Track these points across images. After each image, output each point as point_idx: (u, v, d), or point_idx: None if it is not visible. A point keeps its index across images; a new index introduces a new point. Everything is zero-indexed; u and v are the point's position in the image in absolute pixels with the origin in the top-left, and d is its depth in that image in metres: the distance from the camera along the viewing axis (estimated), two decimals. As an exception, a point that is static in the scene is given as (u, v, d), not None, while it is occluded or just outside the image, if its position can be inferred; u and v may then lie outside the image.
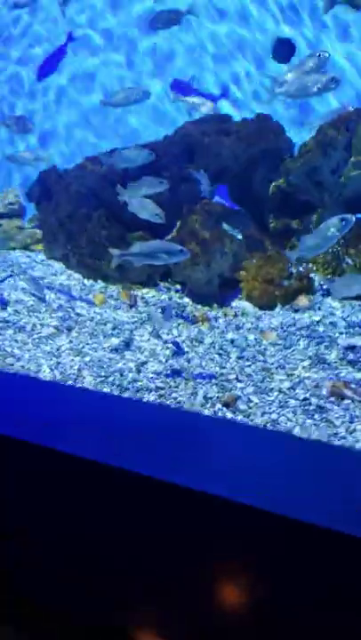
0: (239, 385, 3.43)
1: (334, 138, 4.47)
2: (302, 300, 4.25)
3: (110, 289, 4.70)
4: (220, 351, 3.78)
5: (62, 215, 4.96)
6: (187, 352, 3.79)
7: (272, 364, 3.62)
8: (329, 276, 4.41)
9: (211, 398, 3.32)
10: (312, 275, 4.45)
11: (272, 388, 3.37)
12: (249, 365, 3.62)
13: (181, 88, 5.64)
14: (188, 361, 3.67)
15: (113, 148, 4.77)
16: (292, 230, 4.83)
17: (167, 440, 2.32)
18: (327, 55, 4.12)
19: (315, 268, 4.46)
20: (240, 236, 5.04)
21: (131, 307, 4.43)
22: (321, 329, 3.92)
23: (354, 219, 3.41)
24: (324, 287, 4.45)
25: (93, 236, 4.77)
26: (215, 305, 4.42)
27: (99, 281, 4.76)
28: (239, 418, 3.17)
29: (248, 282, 4.42)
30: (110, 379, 3.51)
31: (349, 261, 4.31)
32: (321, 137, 4.51)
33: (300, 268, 4.44)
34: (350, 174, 4.56)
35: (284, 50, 5.34)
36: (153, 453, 2.20)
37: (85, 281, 4.80)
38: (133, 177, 4.41)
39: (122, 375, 3.54)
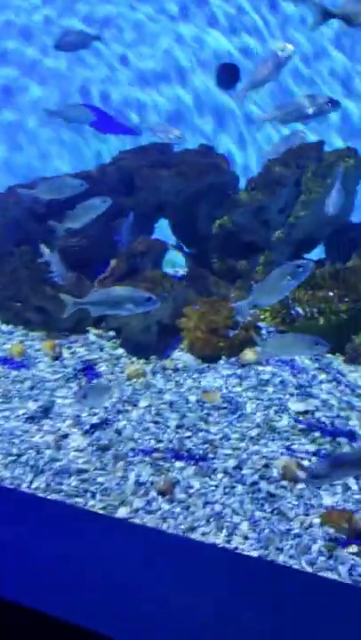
0: (178, 464, 2.93)
1: (283, 175, 4.10)
2: (248, 354, 3.81)
3: (32, 335, 4.13)
4: (157, 418, 3.28)
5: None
6: (117, 419, 3.26)
7: (216, 434, 3.15)
8: (276, 327, 4.00)
9: (144, 484, 2.80)
10: (259, 324, 4.03)
11: (216, 469, 2.89)
12: (190, 437, 3.13)
13: (102, 122, 5.15)
14: (119, 432, 3.14)
15: (38, 178, 4.23)
16: (238, 272, 4.42)
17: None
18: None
19: (262, 317, 4.05)
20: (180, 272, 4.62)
21: (55, 359, 3.88)
22: (270, 389, 3.48)
23: (312, 264, 2.99)
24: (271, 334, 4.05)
25: (16, 275, 4.20)
26: (153, 357, 3.92)
27: (19, 327, 4.19)
28: (176, 510, 2.66)
29: (190, 331, 3.95)
30: (24, 457, 2.94)
31: (300, 310, 3.91)
32: (269, 173, 4.13)
33: (247, 317, 4.01)
34: (299, 214, 4.20)
35: (228, 76, 4.97)
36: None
37: (4, 326, 4.21)
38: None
39: (38, 453, 2.98)
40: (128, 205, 4.33)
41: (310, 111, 3.81)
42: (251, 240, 4.31)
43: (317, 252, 4.69)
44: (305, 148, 4.20)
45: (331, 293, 3.93)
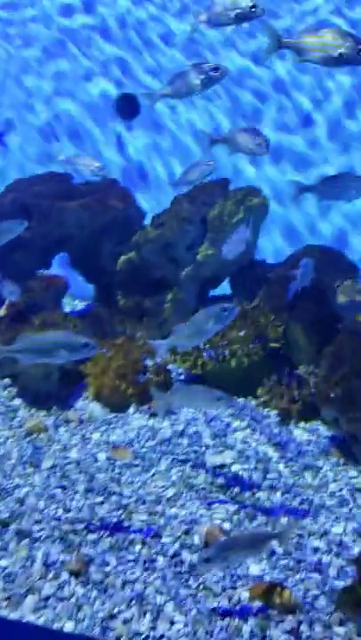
0: (90, 537, 2.64)
1: (190, 212, 3.97)
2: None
3: None
4: (63, 481, 2.96)
5: None
6: (17, 485, 2.91)
7: (130, 497, 2.89)
8: (187, 370, 3.83)
9: (53, 564, 2.48)
10: (170, 367, 3.84)
11: (132, 541, 2.63)
12: (101, 503, 2.85)
13: None
14: (21, 502, 2.79)
15: None
16: (144, 309, 4.22)
17: None
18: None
19: (173, 359, 3.86)
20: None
21: None
22: (185, 442, 3.28)
23: (237, 309, 2.85)
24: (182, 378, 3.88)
25: None
26: (55, 407, 3.59)
27: None
28: (93, 595, 2.37)
29: (96, 377, 3.67)
30: None
31: (212, 353, 3.77)
32: (176, 210, 3.98)
33: (157, 359, 3.81)
34: (208, 252, 4.08)
35: (127, 106, 4.80)
36: None
37: None
38: None
39: None
40: (25, 238, 3.98)
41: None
42: (158, 277, 4.13)
43: (223, 289, 4.62)
44: (210, 184, 4.11)
45: (241, 334, 3.84)
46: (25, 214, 3.97)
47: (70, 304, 4.77)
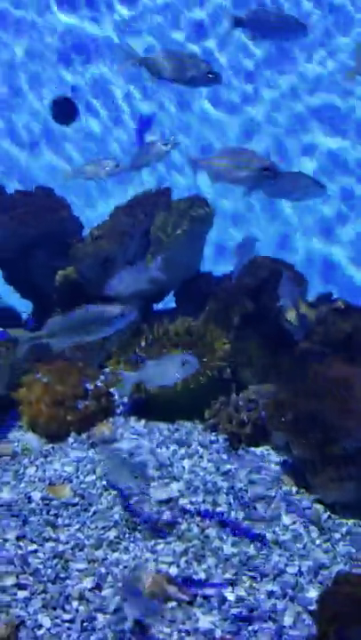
0: (21, 594, 2.36)
1: (130, 224, 3.73)
2: (101, 429, 3.35)
3: None
4: (-8, 528, 2.67)
5: None
6: None
7: (67, 542, 2.63)
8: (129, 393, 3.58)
9: (-23, 632, 2.19)
10: (113, 390, 3.59)
11: (69, 596, 2.37)
12: (35, 551, 2.57)
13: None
14: None
15: None
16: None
17: None
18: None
19: (115, 382, 3.60)
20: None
21: None
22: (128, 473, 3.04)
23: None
24: (125, 402, 3.63)
25: None
26: (-19, 438, 3.29)
27: None
28: (23, 666, 2.10)
29: (31, 405, 3.38)
30: None
31: (156, 374, 3.53)
32: (115, 222, 3.73)
33: (98, 383, 3.55)
34: (149, 266, 3.85)
35: (63, 110, 4.52)
36: None
37: None
38: None
39: None
40: None
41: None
42: (98, 293, 3.87)
43: (167, 302, 4.41)
44: (153, 194, 3.89)
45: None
46: None
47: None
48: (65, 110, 4.36)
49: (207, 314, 3.84)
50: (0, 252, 3.83)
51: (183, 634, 2.24)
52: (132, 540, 2.68)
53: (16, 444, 3.27)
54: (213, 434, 3.41)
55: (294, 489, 3.00)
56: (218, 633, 2.24)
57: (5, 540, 2.59)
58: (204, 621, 2.29)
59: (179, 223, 3.81)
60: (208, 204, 3.99)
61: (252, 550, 2.64)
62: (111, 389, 3.58)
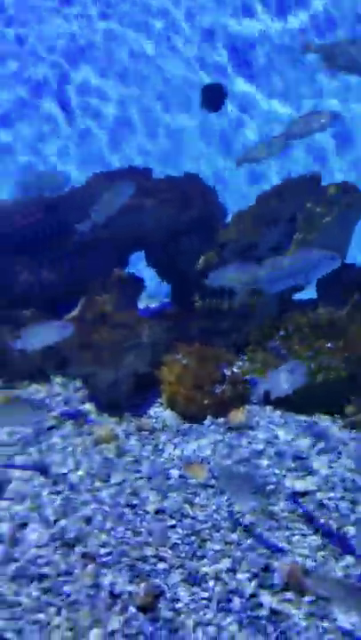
0: (161, 565, 2.43)
1: (278, 210, 3.66)
2: (237, 415, 3.35)
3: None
4: (133, 498, 2.77)
5: None
6: (86, 502, 2.73)
7: (204, 521, 2.66)
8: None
9: (120, 595, 2.29)
10: (249, 377, 3.58)
11: (206, 574, 2.40)
12: (173, 526, 2.64)
13: None
14: (88, 520, 2.62)
15: None
16: (223, 313, 3.95)
17: None
18: None
19: (253, 370, 3.59)
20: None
21: (13, 416, 3.32)
22: (264, 462, 3.02)
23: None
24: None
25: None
26: (126, 414, 3.41)
27: (-28, 374, 3.61)
28: (162, 634, 2.16)
29: (170, 384, 3.46)
30: (-29, 559, 2.39)
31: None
32: (260, 208, 3.69)
33: (234, 369, 3.55)
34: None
35: (213, 97, 4.51)
36: None
37: None
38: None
39: (-10, 551, 2.43)
40: (103, 237, 3.82)
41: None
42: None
43: (309, 293, 4.29)
44: (302, 180, 3.78)
45: (329, 345, 3.52)
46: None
47: (143, 302, 4.58)
48: (214, 97, 4.35)
49: (353, 305, 3.69)
50: (146, 236, 3.94)
51: (321, 631, 2.18)
52: (267, 527, 2.66)
53: (155, 420, 3.37)
54: (353, 431, 3.29)
55: None
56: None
57: (146, 512, 2.68)
58: (343, 619, 2.22)
59: (328, 210, 3.68)
60: (358, 190, 3.81)
61: (394, 555, 2.51)
62: (247, 376, 3.57)
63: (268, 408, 3.49)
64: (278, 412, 3.47)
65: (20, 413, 2.77)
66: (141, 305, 4.40)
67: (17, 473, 2.87)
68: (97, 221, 3.20)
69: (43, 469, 2.88)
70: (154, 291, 4.64)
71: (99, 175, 3.83)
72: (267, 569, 2.43)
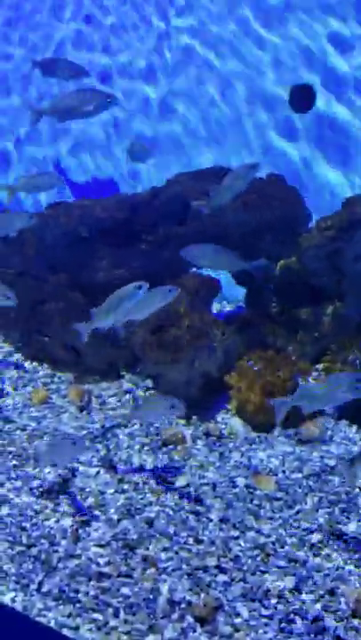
0: (221, 577, 2.36)
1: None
2: (310, 428, 3.22)
3: (57, 379, 3.60)
4: (197, 505, 2.71)
5: (12, 273, 3.87)
6: (149, 503, 2.70)
7: (268, 535, 2.57)
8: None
9: (178, 603, 2.23)
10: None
11: (268, 591, 2.30)
12: (236, 537, 2.55)
13: None
14: (150, 523, 2.58)
15: None
16: (300, 321, 3.82)
17: None
18: None
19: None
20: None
21: (81, 410, 3.34)
22: (336, 479, 2.88)
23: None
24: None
25: (48, 306, 3.69)
26: (194, 417, 3.36)
27: (45, 365, 3.67)
28: (219, 650, 2.09)
29: (241, 391, 3.38)
30: (33, 550, 2.40)
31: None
32: (347, 214, 3.53)
33: (309, 379, 3.42)
34: (381, 263, 3.59)
35: (302, 98, 4.39)
36: None
37: (28, 364, 3.70)
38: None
39: (52, 544, 2.44)
40: (180, 235, 3.79)
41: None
42: (319, 287, 3.72)
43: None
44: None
45: None
46: (181, 209, 3.78)
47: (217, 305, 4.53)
48: (304, 97, 4.24)
49: None
50: (224, 236, 3.87)
51: (387, 663, 2.04)
52: (335, 547, 2.52)
53: (223, 426, 3.30)
54: None
55: None
56: None
57: (209, 520, 2.62)
58: None
59: None
60: None
61: None
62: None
63: (344, 422, 3.34)
64: (354, 428, 3.31)
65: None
66: (215, 307, 4.35)
67: (81, 468, 2.88)
68: (215, 204, 3.22)
69: (110, 466, 2.88)
70: (229, 293, 4.56)
71: (182, 175, 3.80)
72: (333, 592, 2.30)
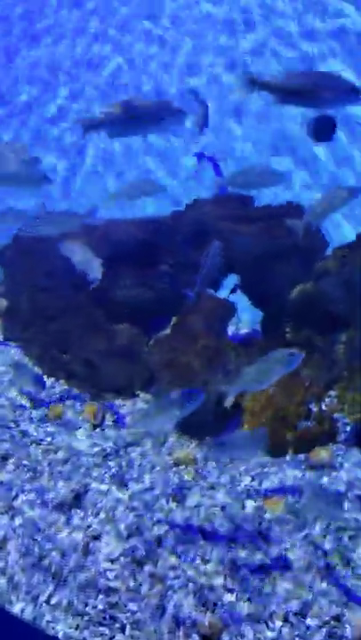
0: (228, 597, 2.38)
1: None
2: (321, 454, 3.23)
3: (75, 393, 3.67)
4: (206, 524, 2.74)
5: (32, 289, 3.97)
6: (158, 521, 2.74)
7: (275, 559, 2.58)
8: (356, 422, 3.41)
9: (183, 622, 2.26)
10: (336, 415, 3.46)
11: (273, 613, 2.32)
12: (245, 558, 2.57)
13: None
14: (159, 541, 2.62)
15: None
16: (314, 347, 3.86)
17: None
18: None
19: (340, 408, 3.47)
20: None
21: (95, 427, 3.40)
22: (346, 505, 2.89)
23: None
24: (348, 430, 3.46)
25: (66, 322, 3.78)
26: (207, 438, 3.40)
27: (61, 381, 3.74)
28: (222, 670, 2.11)
29: (253, 414, 3.41)
30: (45, 562, 2.45)
31: (387, 407, 3.32)
32: (363, 243, 3.59)
33: (323, 405, 3.45)
34: (396, 292, 3.62)
35: (324, 128, 4.47)
36: None
37: (45, 378, 3.78)
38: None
39: (63, 556, 2.48)
40: (196, 259, 3.87)
41: None
42: (335, 313, 3.76)
43: None
44: None
45: None
46: (202, 234, 3.87)
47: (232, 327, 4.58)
48: (325, 128, 4.32)
49: None
50: (243, 261, 3.95)
51: None
52: (343, 575, 2.53)
53: (235, 449, 3.33)
54: None
55: None
56: None
57: (216, 542, 2.64)
58: None
59: None
60: None
61: None
62: (335, 414, 3.45)
63: (356, 450, 3.35)
64: (364, 454, 3.32)
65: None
66: (231, 330, 4.41)
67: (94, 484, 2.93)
68: (309, 224, 3.30)
69: (121, 483, 2.92)
70: (245, 317, 4.62)
71: (206, 204, 3.90)
72: (338, 619, 2.31)
